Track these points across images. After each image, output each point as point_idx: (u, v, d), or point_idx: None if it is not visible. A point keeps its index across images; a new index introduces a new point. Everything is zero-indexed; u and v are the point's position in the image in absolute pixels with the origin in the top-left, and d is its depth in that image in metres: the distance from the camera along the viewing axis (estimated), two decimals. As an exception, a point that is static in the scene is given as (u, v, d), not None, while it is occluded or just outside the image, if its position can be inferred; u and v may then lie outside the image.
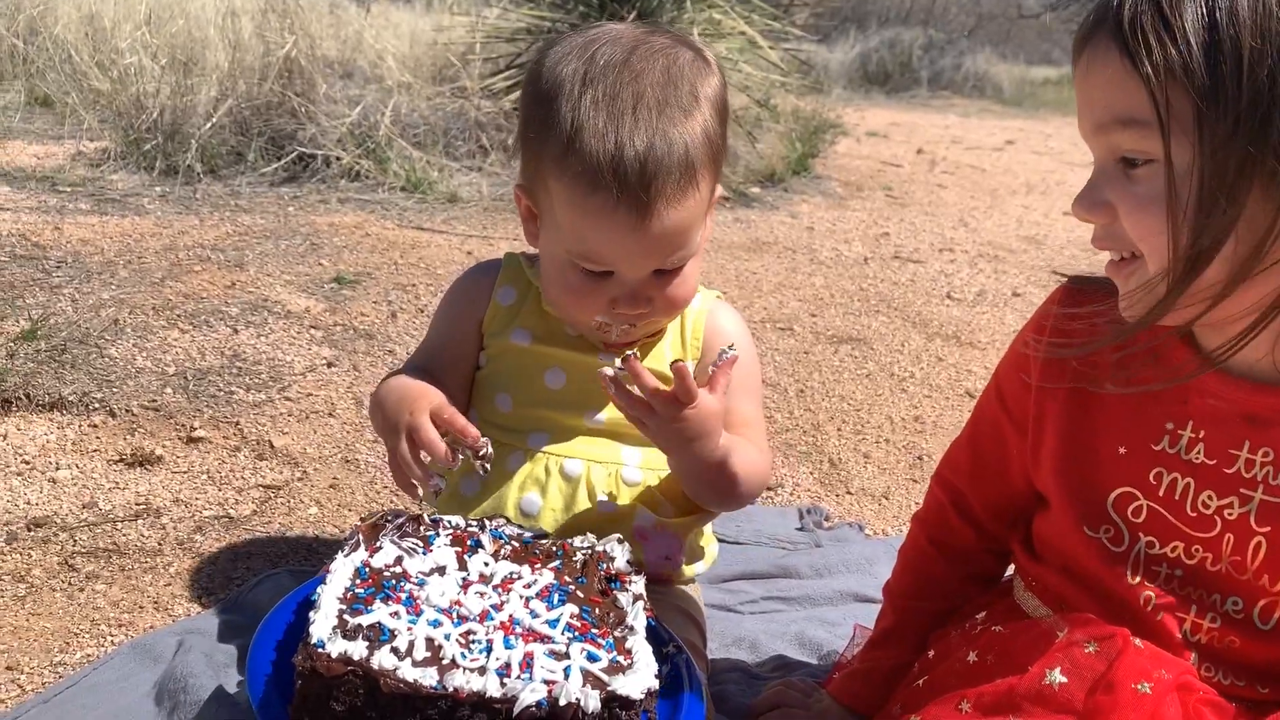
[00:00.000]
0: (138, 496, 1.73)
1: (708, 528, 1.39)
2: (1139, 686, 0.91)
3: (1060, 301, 1.08)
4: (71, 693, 1.25)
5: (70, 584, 1.49)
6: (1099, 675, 0.93)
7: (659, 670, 0.97)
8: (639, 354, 1.14)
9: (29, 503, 1.68)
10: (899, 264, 3.74)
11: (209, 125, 3.89)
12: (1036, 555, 1.11)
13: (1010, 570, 1.20)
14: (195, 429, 1.96)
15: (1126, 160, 0.87)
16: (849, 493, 2.00)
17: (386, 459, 1.21)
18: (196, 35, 4.67)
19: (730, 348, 1.14)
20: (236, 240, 3.16)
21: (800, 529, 1.79)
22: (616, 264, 1.17)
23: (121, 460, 1.84)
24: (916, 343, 2.88)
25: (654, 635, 1.05)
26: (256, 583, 1.49)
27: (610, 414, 1.28)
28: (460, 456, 1.15)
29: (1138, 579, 1.00)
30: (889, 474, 2.08)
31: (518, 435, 1.28)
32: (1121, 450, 1.01)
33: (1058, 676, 0.94)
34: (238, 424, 2.00)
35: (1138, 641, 0.95)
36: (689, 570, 1.37)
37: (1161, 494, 0.99)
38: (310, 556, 1.61)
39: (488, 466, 1.18)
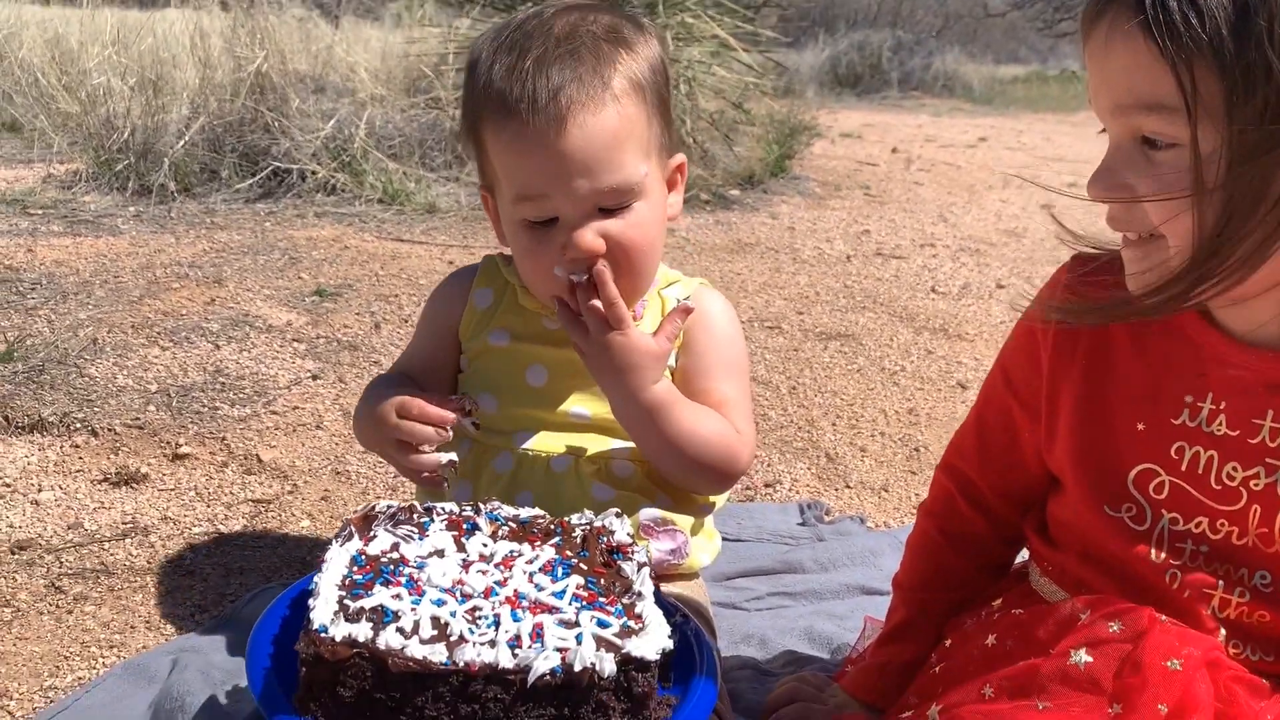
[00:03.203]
0: (124, 516, 1.69)
1: (708, 521, 1.37)
2: (1168, 664, 0.89)
3: (1069, 271, 1.06)
4: (64, 717, 1.21)
5: (58, 606, 1.45)
6: (1125, 654, 0.91)
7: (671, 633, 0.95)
8: None
9: (12, 525, 1.63)
10: (881, 260, 3.73)
11: (181, 143, 3.84)
12: (1053, 541, 1.09)
13: (1022, 556, 1.18)
14: (180, 446, 1.92)
15: (1147, 140, 0.84)
16: (848, 487, 1.98)
17: (385, 467, 1.18)
18: (165, 54, 4.62)
19: (687, 298, 1.19)
20: (214, 257, 3.12)
21: (801, 524, 1.77)
22: (550, 194, 1.14)
23: (106, 480, 1.79)
24: (905, 337, 2.86)
25: (661, 605, 1.02)
26: (250, 598, 1.45)
27: (595, 409, 1.25)
28: (449, 428, 1.17)
29: (1163, 556, 0.98)
30: (887, 467, 2.06)
31: (504, 437, 1.26)
32: (1140, 426, 0.99)
33: (1083, 656, 0.91)
34: (224, 439, 1.96)
35: (1163, 618, 0.93)
36: (694, 563, 1.34)
37: (1184, 469, 0.97)
38: (304, 569, 1.57)
39: (477, 423, 1.22)
